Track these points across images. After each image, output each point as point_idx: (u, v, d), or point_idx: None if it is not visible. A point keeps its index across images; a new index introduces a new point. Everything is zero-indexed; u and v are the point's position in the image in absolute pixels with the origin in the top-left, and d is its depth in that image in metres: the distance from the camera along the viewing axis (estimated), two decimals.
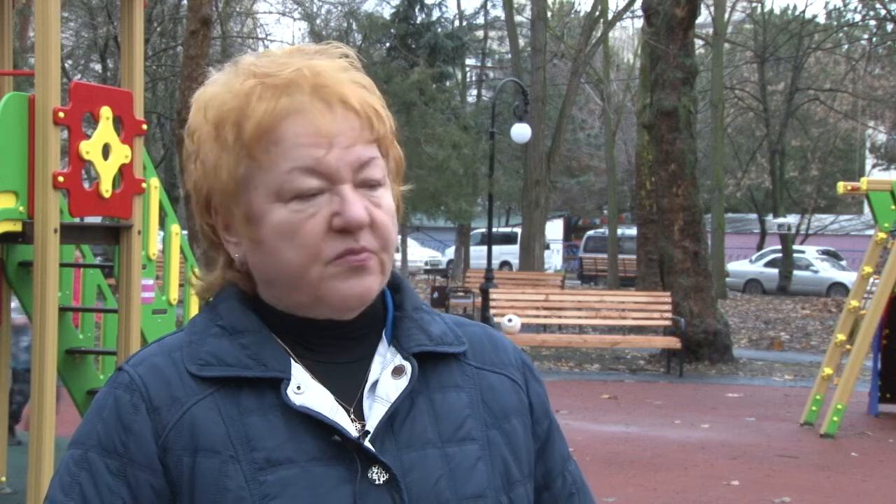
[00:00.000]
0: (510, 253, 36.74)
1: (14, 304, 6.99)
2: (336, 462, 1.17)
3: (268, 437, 1.16)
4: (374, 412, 1.20)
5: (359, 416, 1.21)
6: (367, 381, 1.23)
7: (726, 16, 31.33)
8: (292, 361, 1.21)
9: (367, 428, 1.19)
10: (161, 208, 6.89)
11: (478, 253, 37.27)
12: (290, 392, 1.18)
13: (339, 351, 1.24)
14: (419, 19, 31.66)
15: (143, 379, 1.20)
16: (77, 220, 5.84)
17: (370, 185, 1.20)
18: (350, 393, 1.22)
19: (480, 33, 38.08)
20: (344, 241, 1.17)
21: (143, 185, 6.08)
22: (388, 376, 1.22)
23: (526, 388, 1.33)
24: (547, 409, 1.35)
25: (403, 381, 1.22)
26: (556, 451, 1.34)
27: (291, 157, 1.17)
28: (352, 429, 1.18)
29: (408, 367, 1.22)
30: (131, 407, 1.18)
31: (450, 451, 1.22)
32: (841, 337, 10.41)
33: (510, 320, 13.99)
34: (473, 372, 1.29)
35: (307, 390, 1.19)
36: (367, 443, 1.18)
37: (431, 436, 1.22)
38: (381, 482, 1.17)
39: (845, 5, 33.90)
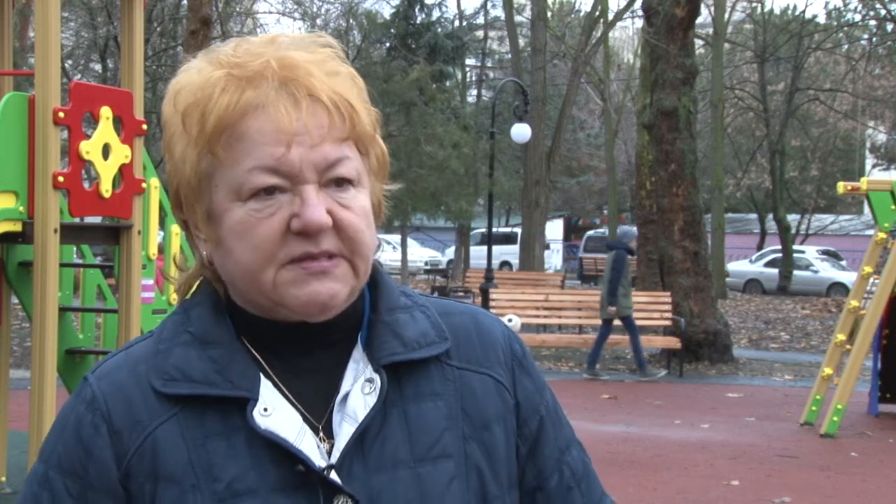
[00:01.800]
0: (510, 253, 36.74)
1: None
2: (298, 492, 1.11)
3: (230, 465, 1.11)
4: (343, 431, 1.13)
5: (328, 433, 1.15)
6: (338, 394, 1.16)
7: (726, 16, 31.34)
8: (262, 378, 1.15)
9: (335, 448, 1.13)
10: (161, 208, 6.89)
11: (478, 253, 37.27)
12: (257, 414, 1.12)
13: (311, 358, 1.17)
14: (419, 19, 31.65)
15: (106, 397, 1.15)
16: (77, 220, 5.84)
17: (339, 186, 1.12)
18: (320, 407, 1.16)
19: (480, 33, 38.09)
20: (302, 244, 1.10)
21: (143, 185, 6.08)
22: (357, 391, 1.15)
23: (513, 387, 1.24)
24: (536, 406, 1.26)
25: (372, 398, 1.14)
26: (548, 448, 1.26)
27: (253, 155, 1.09)
28: (317, 456, 1.12)
29: (377, 380, 1.15)
30: (92, 428, 1.14)
31: (422, 471, 1.15)
32: (841, 337, 10.40)
33: (510, 320, 13.99)
34: (454, 374, 1.21)
35: (274, 412, 1.13)
36: (332, 475, 1.12)
37: (403, 455, 1.15)
38: None
39: (845, 5, 33.91)
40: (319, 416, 1.16)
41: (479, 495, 1.18)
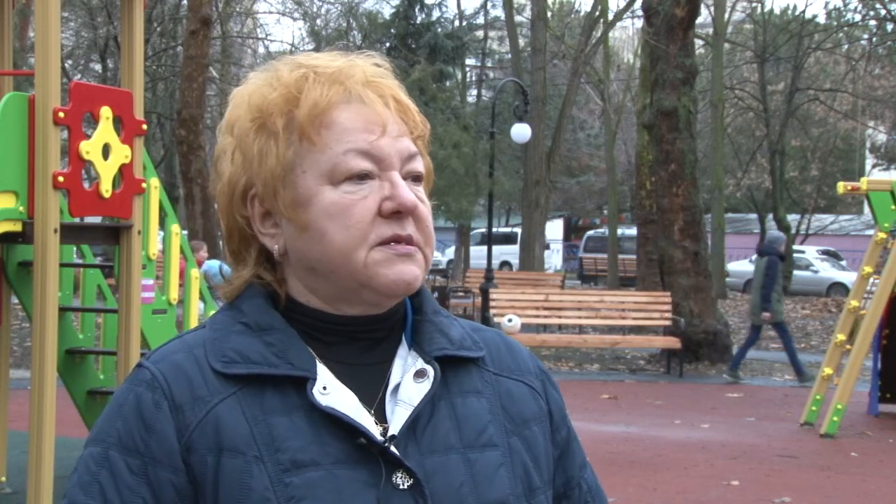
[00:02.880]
0: (510, 253, 36.73)
1: None
2: (360, 466, 1.16)
3: (292, 437, 1.15)
4: (397, 416, 1.19)
5: (380, 419, 1.20)
6: (388, 384, 1.22)
7: (726, 16, 31.32)
8: (317, 361, 1.20)
9: (390, 432, 1.18)
10: (161, 208, 6.89)
11: (478, 253, 37.25)
12: (317, 392, 1.17)
13: (361, 353, 1.23)
14: (419, 19, 31.64)
15: (165, 376, 1.18)
16: (77, 220, 5.84)
17: (414, 179, 1.22)
18: (371, 396, 1.21)
19: (480, 33, 38.06)
20: (391, 226, 1.18)
21: (143, 185, 6.08)
22: (409, 380, 1.21)
23: (545, 396, 1.33)
24: (565, 417, 1.35)
25: (426, 385, 1.21)
26: (574, 459, 1.35)
27: (345, 139, 1.19)
28: (376, 432, 1.17)
29: (430, 370, 1.22)
30: (153, 405, 1.17)
31: (472, 456, 1.21)
32: (841, 337, 10.40)
33: (510, 320, 13.99)
34: (492, 378, 1.29)
35: (332, 391, 1.18)
36: (392, 447, 1.17)
37: (453, 441, 1.21)
38: (405, 487, 1.16)
39: (845, 5, 33.88)
40: (370, 404, 1.21)
41: (524, 484, 1.25)
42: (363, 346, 1.23)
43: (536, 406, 1.31)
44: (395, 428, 1.18)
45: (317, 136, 1.19)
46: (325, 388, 1.18)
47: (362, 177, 1.18)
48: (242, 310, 1.23)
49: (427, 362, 1.23)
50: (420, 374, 1.22)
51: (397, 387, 1.21)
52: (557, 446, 1.32)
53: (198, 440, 1.15)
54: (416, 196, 1.20)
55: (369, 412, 1.19)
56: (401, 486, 1.16)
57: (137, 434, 1.16)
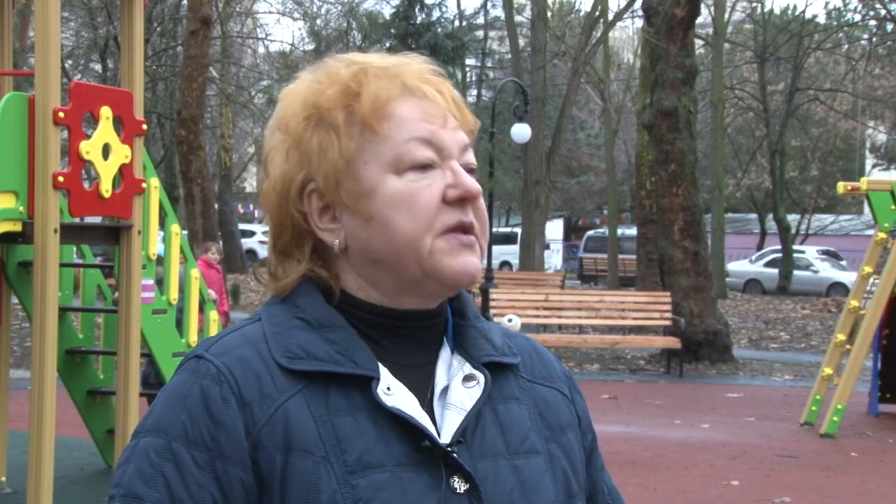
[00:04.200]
0: (510, 253, 36.72)
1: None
2: (422, 468, 1.16)
3: (358, 439, 1.15)
4: (449, 420, 1.19)
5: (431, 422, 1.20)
6: (434, 387, 1.22)
7: (726, 16, 31.32)
8: (378, 361, 1.20)
9: (443, 435, 1.18)
10: (161, 208, 6.89)
11: None
12: (381, 392, 1.16)
13: (408, 353, 1.23)
14: (419, 19, 31.64)
15: (231, 371, 1.16)
16: (77, 220, 5.84)
17: (469, 170, 1.23)
18: (419, 398, 1.20)
19: (480, 33, 38.08)
20: (455, 213, 1.19)
21: (143, 185, 6.08)
22: (458, 384, 1.21)
23: (573, 402, 1.34)
24: (590, 422, 1.36)
25: (476, 391, 1.21)
26: (598, 463, 1.36)
27: (407, 128, 1.20)
28: (436, 436, 1.18)
29: (479, 376, 1.22)
30: (221, 399, 1.14)
31: (518, 463, 1.22)
32: (841, 337, 10.40)
33: (510, 320, 13.97)
34: (527, 385, 1.30)
35: (395, 392, 1.18)
36: (453, 451, 1.17)
37: (500, 447, 1.21)
38: (462, 491, 1.16)
39: (845, 5, 33.90)
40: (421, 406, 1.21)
41: (565, 490, 1.26)
42: (410, 346, 1.23)
43: (569, 413, 1.32)
44: (448, 432, 1.18)
45: (379, 127, 1.20)
46: (388, 388, 1.17)
47: (425, 166, 1.19)
48: (299, 305, 1.21)
49: (475, 367, 1.23)
50: (469, 379, 1.22)
51: (444, 390, 1.21)
52: (585, 451, 1.33)
53: (266, 438, 1.14)
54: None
55: (428, 415, 1.19)
56: (458, 490, 1.16)
57: (205, 428, 1.14)
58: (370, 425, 1.15)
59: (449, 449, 1.16)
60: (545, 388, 1.31)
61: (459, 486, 1.16)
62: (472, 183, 1.20)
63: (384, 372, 1.19)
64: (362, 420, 1.16)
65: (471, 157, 1.24)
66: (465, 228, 1.19)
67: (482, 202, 1.23)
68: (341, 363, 1.17)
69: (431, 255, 1.18)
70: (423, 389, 1.21)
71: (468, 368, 1.23)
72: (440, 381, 1.22)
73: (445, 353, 1.24)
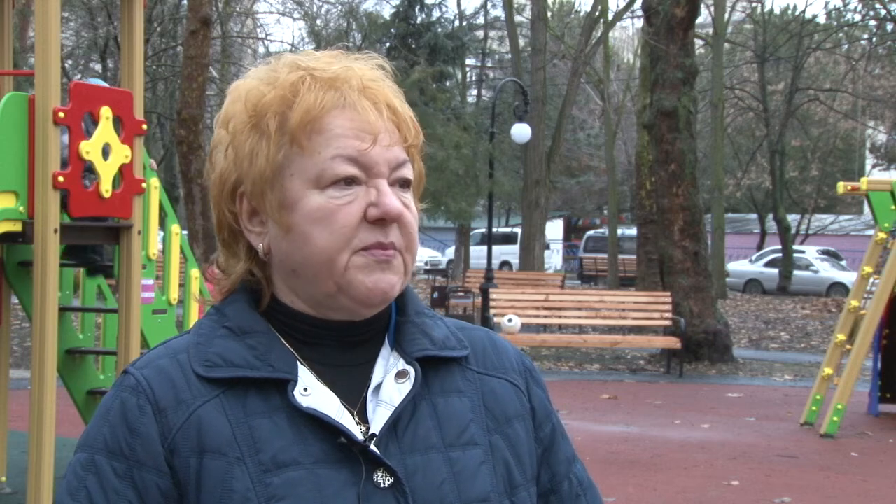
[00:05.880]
0: (510, 253, 36.74)
1: None
2: (341, 465, 1.17)
3: (274, 438, 1.17)
4: (378, 416, 1.21)
5: (362, 419, 1.21)
6: (370, 385, 1.23)
7: (726, 16, 31.33)
8: (298, 363, 1.21)
9: (371, 431, 1.20)
10: (161, 208, 6.89)
11: (478, 253, 37.26)
12: (297, 393, 1.18)
13: (343, 354, 1.25)
14: (419, 19, 31.65)
15: (149, 381, 1.20)
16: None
17: (402, 186, 1.23)
18: (353, 396, 1.23)
19: (480, 33, 38.06)
20: (374, 233, 1.19)
21: (143, 185, 6.08)
22: (391, 380, 1.23)
23: (528, 393, 1.34)
24: (549, 413, 1.36)
25: (407, 386, 1.22)
26: (560, 455, 1.35)
27: (335, 145, 1.19)
28: (357, 432, 1.19)
29: (411, 371, 1.23)
30: (137, 409, 1.18)
31: (453, 455, 1.23)
32: (841, 337, 10.40)
33: (510, 320, 13.98)
34: (475, 377, 1.30)
35: (313, 392, 1.19)
36: (372, 446, 1.18)
37: (435, 440, 1.23)
38: (387, 485, 1.18)
39: (845, 5, 33.93)
40: (352, 405, 1.22)
41: (506, 481, 1.26)
42: (345, 348, 1.25)
43: (519, 403, 1.31)
44: (375, 427, 1.20)
45: (307, 141, 1.19)
46: (305, 389, 1.19)
47: (349, 182, 1.19)
48: (226, 314, 1.24)
49: (408, 363, 1.24)
50: (401, 375, 1.23)
51: (378, 387, 1.23)
52: (541, 443, 1.33)
53: (181, 443, 1.17)
54: (402, 203, 1.21)
55: (351, 413, 1.21)
56: (382, 485, 1.17)
57: (122, 438, 1.18)
58: (287, 425, 1.17)
59: (366, 444, 1.18)
60: (495, 379, 1.31)
61: (384, 480, 1.18)
62: (392, 204, 1.19)
63: (304, 373, 1.21)
64: (279, 421, 1.18)
65: (405, 172, 1.23)
66: (383, 248, 1.19)
67: (409, 218, 1.22)
68: (258, 368, 1.19)
69: (346, 270, 1.19)
70: (360, 388, 1.23)
71: (401, 364, 1.24)
72: (376, 378, 1.24)
73: (385, 350, 1.26)
